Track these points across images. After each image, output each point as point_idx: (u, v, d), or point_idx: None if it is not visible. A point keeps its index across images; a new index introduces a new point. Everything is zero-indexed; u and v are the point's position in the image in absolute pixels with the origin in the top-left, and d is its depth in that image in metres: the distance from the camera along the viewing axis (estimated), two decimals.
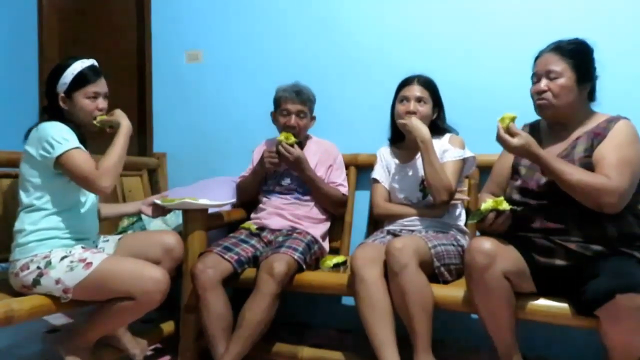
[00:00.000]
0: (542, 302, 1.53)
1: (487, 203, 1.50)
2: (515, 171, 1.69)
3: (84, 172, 1.60)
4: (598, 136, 1.52)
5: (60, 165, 1.61)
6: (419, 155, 2.00)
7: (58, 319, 2.49)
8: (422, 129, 1.87)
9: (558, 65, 1.54)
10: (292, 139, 2.04)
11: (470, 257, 1.47)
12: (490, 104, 2.17)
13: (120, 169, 1.71)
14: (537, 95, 1.59)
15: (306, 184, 2.14)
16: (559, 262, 1.50)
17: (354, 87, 2.44)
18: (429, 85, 1.99)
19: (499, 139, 1.50)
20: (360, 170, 2.35)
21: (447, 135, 2.00)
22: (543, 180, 1.57)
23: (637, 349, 1.36)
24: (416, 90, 1.97)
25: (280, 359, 1.90)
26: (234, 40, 2.70)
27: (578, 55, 1.54)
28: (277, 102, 2.18)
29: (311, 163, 2.17)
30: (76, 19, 3.19)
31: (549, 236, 1.52)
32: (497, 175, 1.77)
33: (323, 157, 2.21)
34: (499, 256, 1.44)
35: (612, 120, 1.54)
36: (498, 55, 2.20)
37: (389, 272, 1.63)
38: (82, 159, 1.61)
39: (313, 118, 2.23)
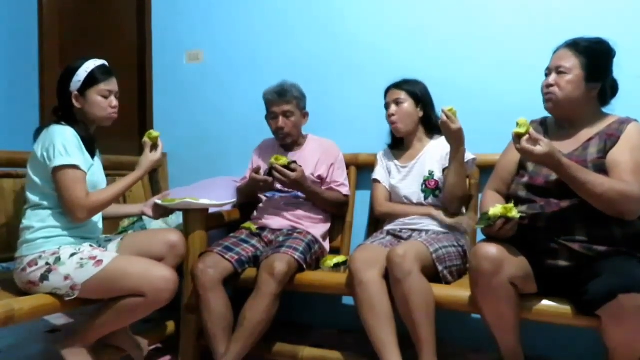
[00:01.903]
0: (546, 302, 1.52)
1: (496, 209, 1.46)
2: (522, 167, 1.67)
3: (70, 195, 1.61)
4: (611, 137, 1.51)
5: (54, 176, 1.63)
6: (419, 156, 2.02)
7: (59, 319, 2.49)
8: (462, 134, 1.79)
9: (569, 61, 1.54)
10: (283, 160, 1.97)
11: (476, 264, 1.45)
12: (491, 104, 2.17)
13: (107, 207, 1.75)
14: (545, 88, 1.59)
15: (309, 198, 2.13)
16: (563, 263, 1.50)
17: (355, 87, 2.44)
18: (406, 86, 2.02)
19: (522, 149, 1.43)
20: (361, 169, 2.35)
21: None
22: (552, 177, 1.54)
23: (639, 349, 1.36)
24: (393, 94, 2.03)
25: (280, 359, 1.90)
26: (234, 40, 2.70)
27: (591, 54, 1.53)
28: (265, 105, 2.18)
29: (312, 162, 2.17)
30: (76, 19, 3.19)
31: (553, 236, 1.51)
32: (502, 170, 1.73)
33: (324, 156, 2.20)
34: (506, 262, 1.43)
35: (623, 122, 1.53)
36: (498, 56, 2.19)
37: (392, 280, 1.62)
38: (74, 180, 1.62)
39: (305, 114, 2.21)
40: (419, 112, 2.02)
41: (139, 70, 2.96)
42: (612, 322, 1.32)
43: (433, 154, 1.99)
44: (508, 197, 1.66)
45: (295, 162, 2.01)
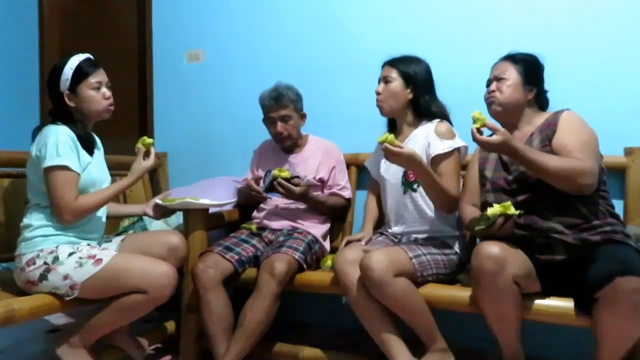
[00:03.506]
0: (546, 302, 1.53)
1: (495, 208, 1.49)
2: (482, 176, 1.74)
3: (58, 197, 1.61)
4: (550, 126, 1.61)
5: (45, 177, 1.62)
6: (404, 143, 1.84)
7: (59, 319, 2.49)
8: (409, 159, 1.63)
9: (507, 69, 1.70)
10: (286, 173, 1.95)
11: (479, 263, 1.45)
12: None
13: (95, 211, 1.73)
14: (487, 95, 1.72)
15: (312, 208, 2.13)
16: (559, 256, 1.53)
17: (355, 87, 2.44)
18: (399, 64, 1.88)
19: (478, 140, 1.52)
20: (361, 169, 2.34)
21: (434, 123, 1.85)
22: (510, 176, 1.64)
23: (629, 338, 1.37)
24: (384, 70, 1.91)
25: (281, 359, 1.90)
26: (234, 39, 2.70)
27: (525, 63, 1.70)
28: (262, 110, 2.16)
29: (313, 165, 2.17)
30: (77, 19, 3.20)
31: (532, 228, 1.55)
32: (471, 184, 1.78)
33: (325, 159, 2.20)
34: (509, 261, 1.44)
35: (557, 112, 1.64)
36: (498, 55, 2.19)
37: (370, 290, 1.60)
38: (63, 182, 1.61)
39: (302, 115, 2.19)
40: (407, 94, 1.87)
41: (139, 70, 2.96)
42: (609, 306, 1.33)
43: (415, 143, 1.85)
44: (481, 207, 1.69)
45: (298, 176, 2.00)
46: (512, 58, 1.72)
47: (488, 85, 1.74)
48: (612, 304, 1.32)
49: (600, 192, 1.58)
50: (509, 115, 1.70)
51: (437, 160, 1.79)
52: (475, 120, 1.52)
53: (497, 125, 1.52)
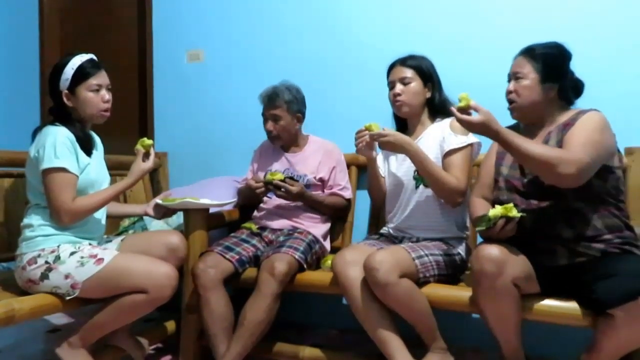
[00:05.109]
0: (547, 303, 1.52)
1: (496, 210, 1.46)
2: (497, 172, 1.70)
3: (56, 199, 1.61)
4: (567, 126, 1.54)
5: (43, 178, 1.62)
6: (417, 140, 1.89)
7: (59, 319, 2.49)
8: (398, 140, 1.71)
9: (524, 67, 1.60)
10: (279, 176, 1.97)
11: (479, 265, 1.45)
12: (496, 101, 2.15)
13: (93, 213, 1.72)
14: (506, 95, 1.65)
15: (311, 207, 2.13)
16: (563, 262, 1.51)
17: (356, 87, 2.44)
18: (414, 63, 1.88)
19: (459, 119, 1.49)
20: (362, 170, 2.35)
21: (447, 120, 1.85)
22: (526, 179, 1.59)
23: (632, 345, 1.38)
24: (399, 71, 1.88)
25: (281, 359, 1.90)
26: (235, 39, 2.70)
27: (545, 58, 1.58)
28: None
29: (313, 164, 2.17)
30: (77, 18, 3.20)
31: (539, 236, 1.53)
32: (485, 177, 1.74)
33: (325, 158, 2.20)
34: (508, 263, 1.43)
35: (582, 112, 1.56)
36: (503, 55, 2.18)
37: (374, 291, 1.60)
38: (61, 184, 1.61)
39: (298, 118, 2.17)
40: (426, 93, 1.88)
41: (140, 70, 2.97)
42: (628, 321, 1.31)
43: (429, 139, 1.87)
44: (492, 203, 1.67)
45: (292, 177, 2.02)
46: (530, 53, 1.60)
47: (508, 81, 1.66)
48: (632, 321, 1.30)
49: (618, 202, 1.53)
50: (530, 117, 1.63)
51: (449, 153, 1.80)
52: (460, 100, 1.49)
53: (479, 106, 1.47)
